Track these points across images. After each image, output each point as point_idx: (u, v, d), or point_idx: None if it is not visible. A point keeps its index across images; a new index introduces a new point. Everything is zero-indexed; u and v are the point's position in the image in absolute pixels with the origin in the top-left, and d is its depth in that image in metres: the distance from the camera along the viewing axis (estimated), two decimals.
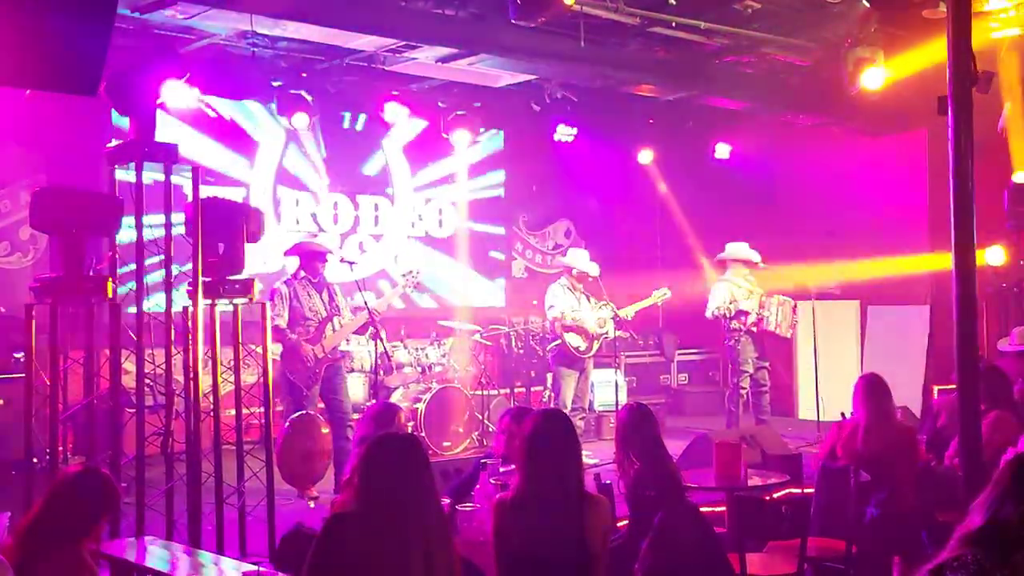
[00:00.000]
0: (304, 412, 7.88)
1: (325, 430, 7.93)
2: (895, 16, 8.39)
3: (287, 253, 8.96)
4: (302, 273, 8.34)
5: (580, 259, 9.79)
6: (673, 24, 8.51)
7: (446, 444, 9.53)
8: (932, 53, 8.30)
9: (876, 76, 8.63)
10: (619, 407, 5.68)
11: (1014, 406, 6.72)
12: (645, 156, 12.37)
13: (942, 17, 6.07)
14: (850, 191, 11.55)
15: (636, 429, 5.12)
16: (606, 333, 9.56)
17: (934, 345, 10.91)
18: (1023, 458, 2.71)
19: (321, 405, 8.39)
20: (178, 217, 5.91)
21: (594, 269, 9.71)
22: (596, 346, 9.60)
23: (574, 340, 9.46)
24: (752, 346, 9.94)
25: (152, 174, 5.85)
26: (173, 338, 5.72)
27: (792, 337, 10.49)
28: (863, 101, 9.44)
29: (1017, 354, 8.61)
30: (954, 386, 5.05)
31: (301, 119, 9.95)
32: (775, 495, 6.22)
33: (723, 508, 5.61)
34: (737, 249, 10.14)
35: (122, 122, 5.71)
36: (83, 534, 3.64)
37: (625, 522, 5.18)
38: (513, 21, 7.34)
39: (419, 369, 10.06)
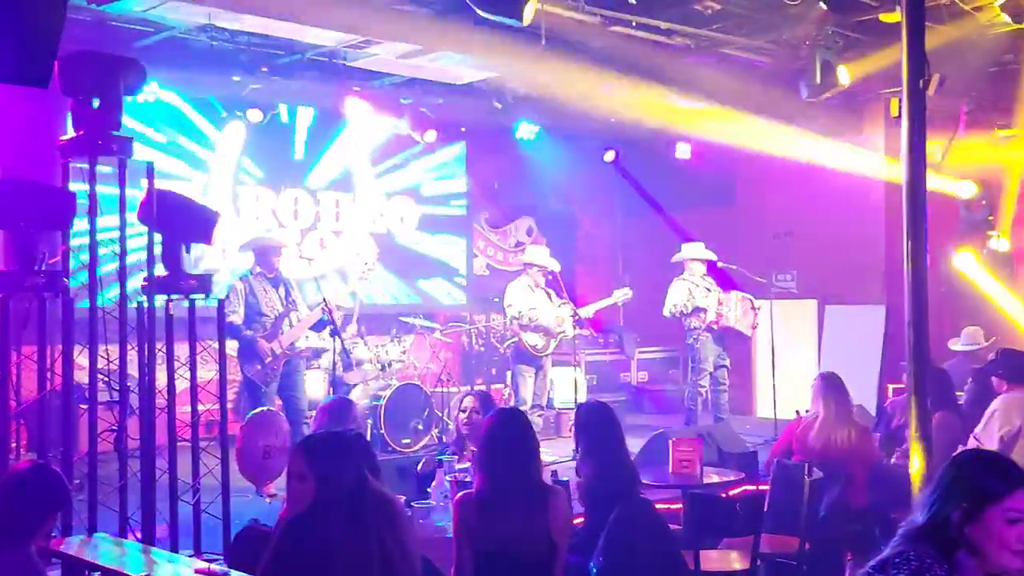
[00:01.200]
0: (266, 408, 7.83)
1: (287, 427, 7.88)
2: (852, 19, 8.50)
3: (242, 248, 8.90)
4: (258, 269, 8.28)
5: (540, 255, 9.80)
6: (634, 24, 8.55)
7: (405, 441, 9.51)
8: (887, 53, 8.44)
9: (841, 77, 8.75)
10: (579, 405, 5.68)
11: (956, 408, 6.85)
12: (607, 155, 12.41)
13: (898, 20, 6.14)
14: (809, 192, 11.67)
15: (599, 425, 5.15)
16: (564, 332, 9.57)
17: (889, 344, 11.05)
18: (963, 458, 2.76)
19: (279, 402, 8.35)
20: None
21: (555, 265, 9.73)
22: (553, 344, 9.61)
23: (531, 339, 9.45)
24: (712, 344, 10.01)
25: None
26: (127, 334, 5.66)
27: (753, 335, 10.58)
28: (822, 102, 9.55)
29: (966, 353, 8.78)
30: (903, 385, 5.14)
31: (261, 114, 9.87)
32: (731, 492, 6.28)
33: (680, 505, 5.65)
34: (693, 249, 10.21)
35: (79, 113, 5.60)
36: (32, 532, 3.59)
37: (581, 519, 5.19)
38: (479, 14, 7.32)
39: (379, 366, 10.02)
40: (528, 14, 7.24)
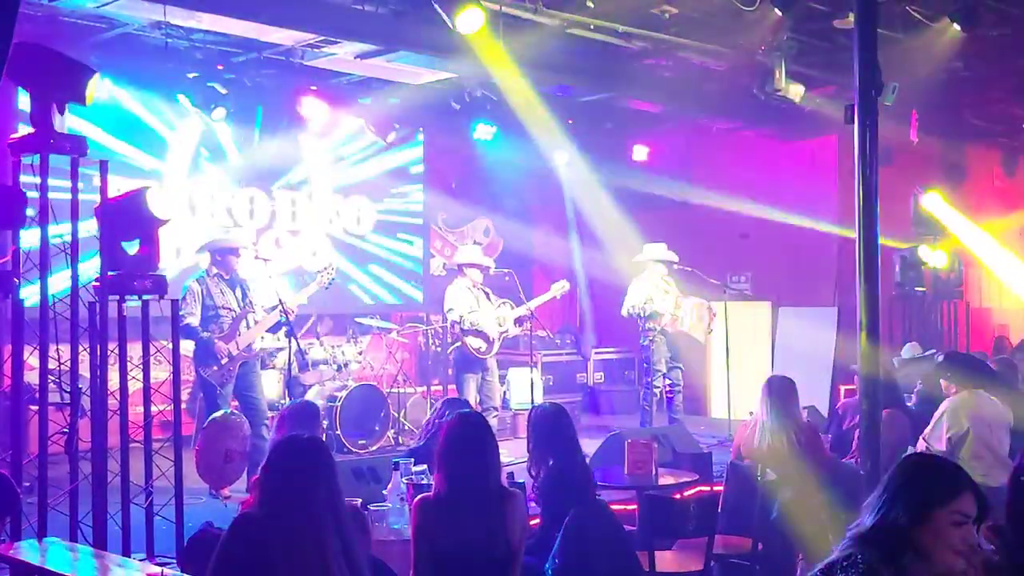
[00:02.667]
0: (229, 411, 7.77)
1: (246, 431, 7.82)
2: (807, 25, 8.62)
3: (198, 250, 8.81)
4: (214, 270, 8.20)
5: (475, 254, 9.78)
6: (592, 26, 8.59)
7: (362, 442, 9.49)
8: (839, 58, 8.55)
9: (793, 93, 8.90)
10: (531, 409, 5.68)
11: (905, 407, 6.97)
12: (563, 156, 12.46)
13: (851, 27, 6.24)
14: (763, 194, 11.81)
15: (552, 429, 5.16)
16: (506, 331, 9.54)
17: (841, 346, 11.21)
18: (911, 462, 2.81)
19: (235, 403, 8.29)
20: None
21: (486, 260, 9.72)
22: (497, 345, 9.56)
23: (474, 342, 9.35)
24: (666, 346, 10.08)
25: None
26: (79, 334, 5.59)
27: (707, 340, 10.66)
28: (775, 107, 9.66)
29: (912, 361, 8.93)
30: (854, 387, 5.23)
31: (216, 112, 9.78)
32: (685, 493, 6.33)
33: (634, 506, 5.69)
34: (654, 250, 10.26)
35: (27, 110, 5.52)
36: None
37: (536, 521, 5.21)
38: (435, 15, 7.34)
39: (335, 367, 9.98)
40: (464, 23, 7.28)
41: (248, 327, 8.14)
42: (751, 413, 6.69)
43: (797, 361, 10.77)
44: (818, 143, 11.49)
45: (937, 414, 6.36)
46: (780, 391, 6.22)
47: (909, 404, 7.33)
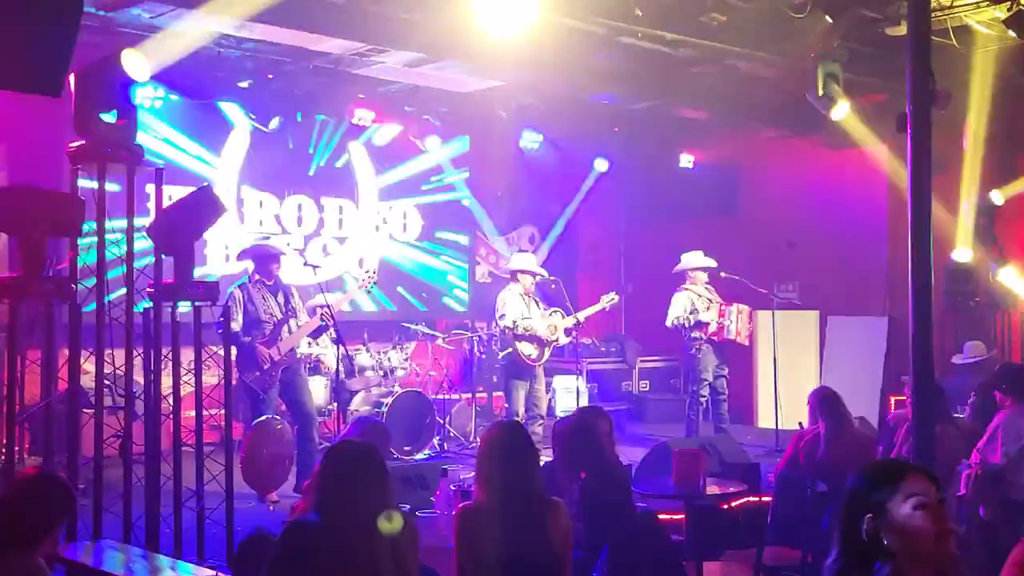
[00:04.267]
0: (272, 416, 7.85)
1: (289, 435, 7.90)
2: (858, 32, 8.53)
3: (240, 256, 8.89)
4: (256, 276, 8.25)
5: (526, 261, 9.79)
6: (639, 35, 8.57)
7: (407, 448, 9.52)
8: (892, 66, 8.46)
9: (842, 108, 8.81)
10: (555, 423, 5.65)
11: (954, 421, 6.86)
12: (609, 164, 12.45)
13: (903, 34, 6.18)
14: (812, 203, 11.69)
15: (581, 440, 5.13)
16: (556, 340, 9.55)
17: (892, 357, 11.06)
18: (854, 474, 2.73)
19: (283, 408, 8.37)
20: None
21: (539, 268, 9.74)
22: (547, 353, 9.57)
23: (525, 348, 9.37)
24: (712, 355, 10.04)
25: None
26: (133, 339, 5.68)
27: (751, 343, 10.60)
28: (825, 114, 9.57)
29: (969, 366, 8.79)
30: (905, 398, 5.15)
31: (266, 120, 9.91)
32: (733, 504, 6.27)
33: (681, 516, 5.65)
34: (692, 259, 10.23)
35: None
36: (39, 539, 3.60)
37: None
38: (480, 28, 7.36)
39: (381, 373, 10.05)
40: None
41: (290, 332, 8.19)
42: (800, 424, 6.63)
43: (846, 371, 10.65)
44: (869, 151, 11.36)
45: (992, 427, 6.25)
46: (831, 403, 6.16)
47: (962, 416, 7.21)
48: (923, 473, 2.55)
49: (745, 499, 6.54)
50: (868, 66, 9.21)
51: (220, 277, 9.69)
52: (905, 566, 2.45)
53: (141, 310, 5.77)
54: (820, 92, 8.66)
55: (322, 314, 8.17)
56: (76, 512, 4.49)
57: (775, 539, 5.60)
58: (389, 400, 9.45)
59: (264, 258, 8.31)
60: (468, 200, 12.82)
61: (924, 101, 5.35)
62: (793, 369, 10.78)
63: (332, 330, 8.28)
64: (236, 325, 7.94)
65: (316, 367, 9.74)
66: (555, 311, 9.56)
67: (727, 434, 9.12)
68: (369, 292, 8.92)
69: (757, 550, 5.12)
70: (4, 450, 5.47)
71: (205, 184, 5.88)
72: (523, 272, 9.54)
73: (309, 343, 9.29)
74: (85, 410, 5.94)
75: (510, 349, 9.45)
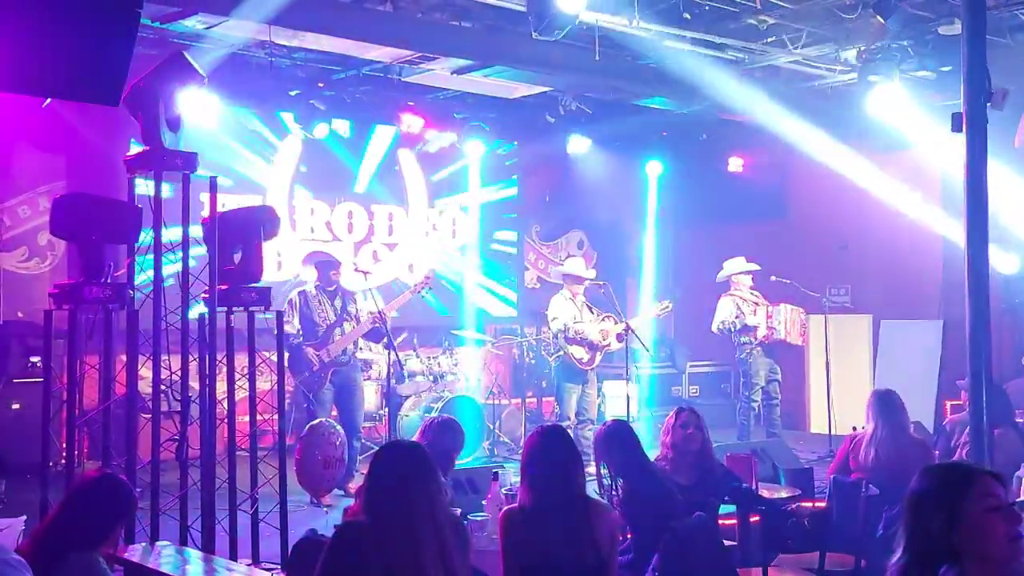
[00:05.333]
0: (324, 420, 7.98)
1: (341, 438, 7.98)
2: (910, 31, 8.42)
3: (304, 262, 9.12)
4: (318, 282, 8.55)
5: (577, 266, 9.81)
6: (688, 38, 8.55)
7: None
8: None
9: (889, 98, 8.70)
10: (596, 431, 5.63)
11: (1015, 424, 6.73)
12: (658, 168, 12.41)
13: (957, 33, 6.10)
14: (863, 206, 11.56)
15: (618, 446, 5.11)
16: (608, 344, 9.55)
17: (946, 361, 10.89)
18: (920, 475, 2.68)
19: (335, 412, 8.49)
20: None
21: (589, 273, 9.75)
22: (599, 357, 9.58)
23: (577, 352, 9.40)
24: (763, 359, 9.96)
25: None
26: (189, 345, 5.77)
27: (805, 344, 10.50)
28: (877, 116, 9.46)
29: None
30: (962, 402, 5.06)
31: (317, 128, 10.03)
32: (787, 509, 6.22)
33: (733, 521, 5.61)
34: (734, 265, 10.17)
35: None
36: (100, 539, 3.67)
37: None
38: (533, 34, 7.37)
39: (431, 378, 10.09)
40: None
41: (342, 334, 8.38)
42: (854, 428, 6.54)
43: (900, 375, 10.49)
44: (922, 152, 11.20)
45: None
46: (885, 403, 6.07)
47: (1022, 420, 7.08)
48: (993, 477, 2.54)
49: (798, 504, 6.49)
50: (921, 65, 9.10)
51: (279, 285, 9.87)
52: (972, 569, 2.43)
53: (197, 316, 5.85)
54: (872, 92, 8.57)
55: (374, 318, 8.30)
56: (135, 513, 4.56)
57: (828, 544, 5.54)
58: (439, 405, 9.49)
59: (324, 265, 8.62)
60: (516, 206, 12.84)
61: (980, 100, 5.28)
62: (846, 374, 10.66)
63: (385, 335, 8.40)
64: (291, 328, 8.16)
65: (368, 369, 9.83)
66: (607, 316, 9.56)
67: (779, 439, 9.03)
68: (423, 296, 9.04)
69: (820, 554, 5.08)
70: (64, 454, 5.58)
71: (267, 205, 6.03)
72: (573, 277, 9.56)
73: (362, 347, 9.41)
74: (142, 415, 6.06)
75: (561, 353, 9.48)
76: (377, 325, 8.35)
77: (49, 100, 8.57)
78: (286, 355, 8.23)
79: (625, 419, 5.50)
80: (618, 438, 5.09)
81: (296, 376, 8.35)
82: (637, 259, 13.51)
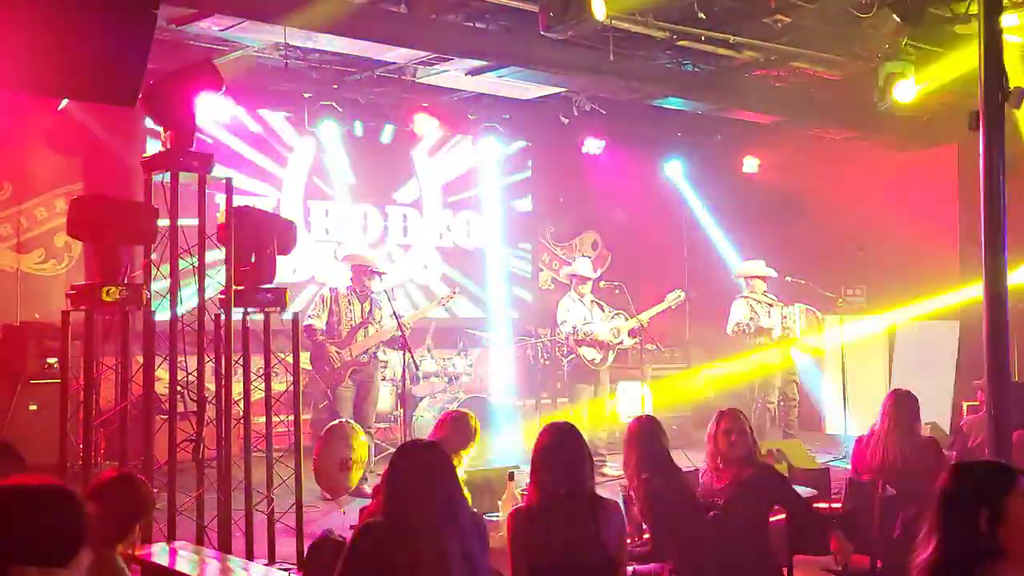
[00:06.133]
0: (343, 421, 8.03)
1: (363, 438, 8.01)
2: (926, 31, 8.38)
3: (342, 259, 9.27)
4: (351, 284, 8.72)
5: (581, 267, 9.81)
6: (702, 38, 8.53)
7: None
8: (962, 65, 8.31)
9: (907, 90, 8.63)
10: (630, 423, 5.63)
11: None
12: (673, 169, 12.39)
13: (974, 32, 6.05)
14: (880, 206, 11.51)
15: (646, 441, 5.12)
16: (620, 342, 9.55)
17: (963, 361, 10.83)
18: (955, 472, 2.67)
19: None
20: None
21: (594, 273, 9.76)
22: (611, 357, 9.58)
23: (589, 353, 9.41)
24: (779, 360, 9.92)
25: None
26: (205, 346, 5.79)
27: (819, 346, 10.45)
28: (892, 116, 9.42)
29: None
30: (978, 403, 5.03)
31: (331, 130, 10.06)
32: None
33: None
34: (753, 267, 10.13)
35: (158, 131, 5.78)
36: (118, 538, 3.69)
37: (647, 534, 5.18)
38: (542, 33, 7.38)
39: (446, 379, 10.10)
40: (598, 9, 7.16)
41: (365, 335, 8.53)
42: (873, 430, 6.51)
43: (916, 376, 10.42)
44: (938, 152, 11.14)
45: None
46: (897, 403, 6.05)
47: None
48: None
49: (815, 505, 6.47)
50: (937, 64, 9.05)
51: (293, 286, 9.91)
52: (1011, 567, 2.43)
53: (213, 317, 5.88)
54: (887, 93, 8.52)
55: (397, 339, 8.40)
56: (152, 513, 4.58)
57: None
58: (454, 406, 9.47)
59: (361, 269, 8.74)
60: (530, 207, 12.84)
61: (996, 99, 5.25)
62: (861, 375, 10.61)
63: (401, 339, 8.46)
64: (319, 322, 8.49)
65: (383, 369, 9.85)
66: (618, 314, 9.55)
67: (796, 440, 8.99)
68: (447, 309, 9.14)
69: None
70: (81, 454, 5.61)
71: (287, 218, 6.09)
72: (580, 277, 9.57)
73: (382, 349, 9.45)
74: (159, 415, 6.08)
75: (572, 355, 9.47)
76: (398, 333, 8.40)
77: (65, 102, 8.64)
78: (307, 356, 8.40)
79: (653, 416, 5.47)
80: (646, 433, 5.11)
81: (316, 369, 8.60)
82: (652, 260, 13.47)
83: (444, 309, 9.22)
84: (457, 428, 5.36)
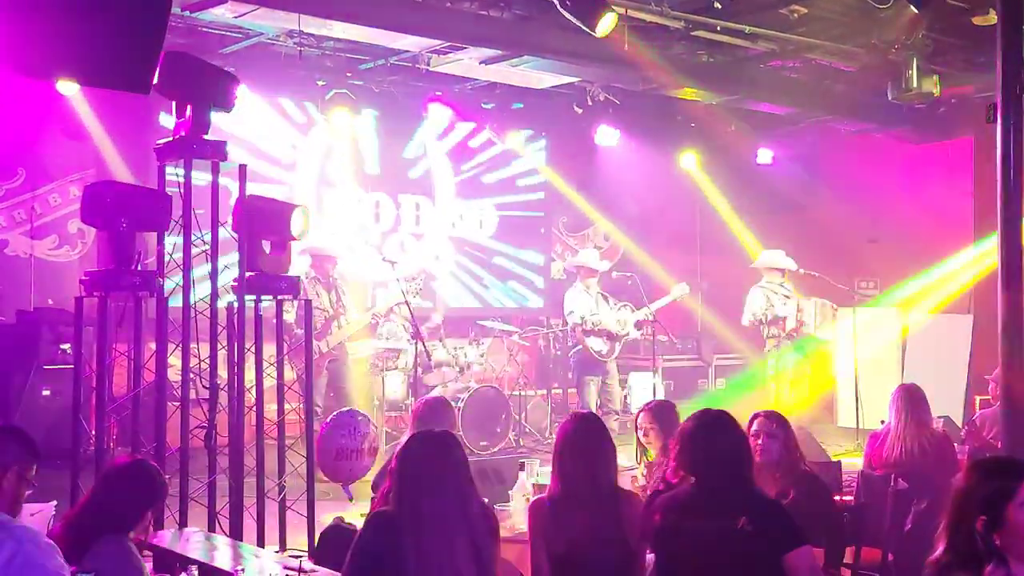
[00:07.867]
0: (348, 409, 8.05)
1: (365, 429, 8.01)
2: (943, 22, 8.32)
3: (300, 252, 9.15)
4: (312, 273, 8.74)
5: (588, 258, 9.80)
6: (718, 28, 8.49)
7: (483, 443, 9.56)
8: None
9: (934, 83, 8.60)
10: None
11: None
12: (686, 160, 12.34)
13: (992, 23, 6.00)
14: (893, 198, 11.45)
15: (662, 425, 5.14)
16: (627, 334, 9.55)
17: (976, 355, 10.78)
18: (967, 468, 2.66)
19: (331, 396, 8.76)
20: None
21: (603, 265, 9.74)
22: (618, 348, 9.58)
23: (595, 344, 9.42)
24: (792, 352, 9.90)
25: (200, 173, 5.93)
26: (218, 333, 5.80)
27: (834, 339, 10.42)
28: (908, 107, 9.37)
29: None
30: (991, 397, 5.00)
31: (344, 118, 10.05)
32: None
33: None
34: (772, 258, 10.09)
35: (172, 118, 5.77)
36: (131, 524, 3.70)
37: None
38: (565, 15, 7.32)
39: (457, 368, 10.10)
40: (603, 27, 7.25)
41: (339, 327, 8.66)
42: (883, 422, 6.49)
43: (928, 369, 10.39)
44: (953, 144, 11.08)
45: None
46: (908, 397, 6.02)
47: None
48: None
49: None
50: (953, 57, 9.00)
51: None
52: (1016, 570, 2.42)
53: (226, 304, 5.89)
54: (903, 85, 8.47)
55: (373, 315, 8.61)
56: (165, 500, 4.59)
57: (855, 537, 5.50)
58: (465, 396, 9.50)
59: (321, 258, 8.79)
60: (543, 197, 12.82)
61: (1014, 91, 5.21)
62: (874, 367, 10.57)
63: (409, 325, 8.47)
64: (290, 316, 8.31)
65: (395, 358, 9.87)
66: (625, 305, 9.56)
67: (807, 432, 8.97)
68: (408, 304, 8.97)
69: (855, 549, 5.06)
70: (94, 440, 5.64)
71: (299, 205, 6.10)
72: (586, 268, 9.56)
73: (388, 337, 9.47)
74: (171, 402, 6.10)
75: (579, 346, 9.49)
76: (375, 320, 8.45)
77: (78, 88, 8.65)
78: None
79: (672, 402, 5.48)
80: (662, 416, 5.13)
81: (295, 363, 8.40)
82: (664, 251, 13.45)
83: (415, 295, 9.17)
84: (433, 416, 5.33)
